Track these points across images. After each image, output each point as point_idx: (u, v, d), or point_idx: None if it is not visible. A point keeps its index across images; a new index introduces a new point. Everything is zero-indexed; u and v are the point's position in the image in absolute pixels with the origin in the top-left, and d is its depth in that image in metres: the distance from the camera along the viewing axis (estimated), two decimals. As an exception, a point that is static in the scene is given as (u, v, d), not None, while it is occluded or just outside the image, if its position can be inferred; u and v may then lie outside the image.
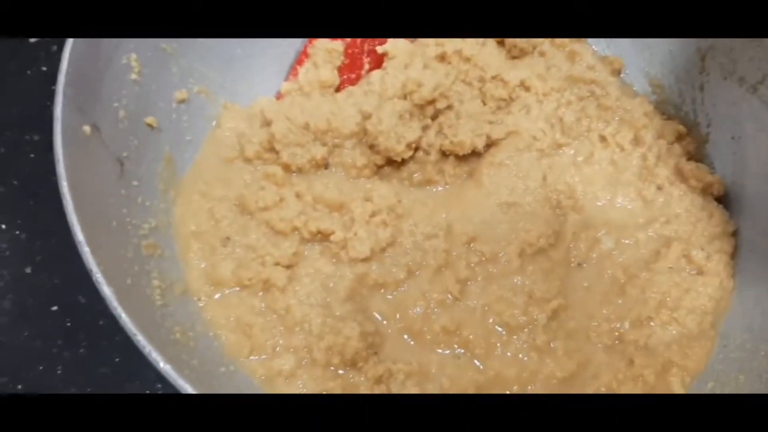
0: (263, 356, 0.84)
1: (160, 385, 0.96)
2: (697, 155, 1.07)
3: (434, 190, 1.03)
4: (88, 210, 0.73)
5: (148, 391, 0.95)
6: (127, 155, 0.86)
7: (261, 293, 0.88)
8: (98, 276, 0.67)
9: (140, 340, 0.64)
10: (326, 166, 1.00)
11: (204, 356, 0.79)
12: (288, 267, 0.90)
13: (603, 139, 1.06)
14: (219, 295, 0.87)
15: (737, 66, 0.99)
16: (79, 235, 0.69)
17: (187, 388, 0.62)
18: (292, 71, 1.07)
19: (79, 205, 0.72)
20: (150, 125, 0.91)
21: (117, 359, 0.97)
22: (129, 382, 0.96)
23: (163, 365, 0.63)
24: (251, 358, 0.84)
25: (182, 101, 0.97)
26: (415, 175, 1.03)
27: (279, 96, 1.06)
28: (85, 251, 0.69)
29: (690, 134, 1.08)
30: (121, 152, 0.85)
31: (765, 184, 0.98)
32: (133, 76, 0.88)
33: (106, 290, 0.66)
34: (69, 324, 1.00)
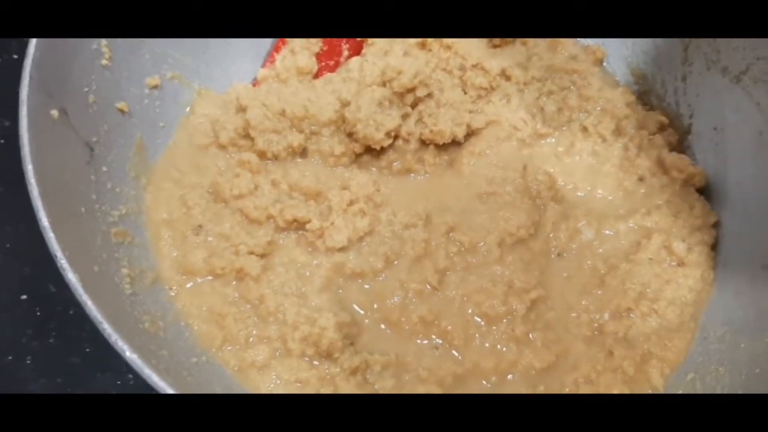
0: (236, 347, 0.82)
1: (131, 376, 0.94)
2: (679, 146, 1.06)
3: (414, 179, 1.01)
4: (54, 195, 0.71)
5: (119, 382, 0.93)
6: (96, 140, 0.84)
7: (234, 283, 0.86)
8: (63, 262, 0.65)
9: (106, 328, 0.62)
10: (303, 154, 0.98)
11: (174, 346, 0.77)
12: (262, 256, 0.88)
13: (584, 129, 1.05)
14: (191, 284, 0.85)
15: (721, 56, 0.98)
16: (44, 220, 0.67)
17: (154, 378, 0.60)
18: (269, 58, 1.05)
19: (45, 190, 0.69)
20: (121, 110, 0.89)
21: (87, 349, 0.95)
22: (100, 372, 0.94)
23: (129, 354, 0.61)
24: (224, 348, 0.82)
25: (155, 87, 0.95)
26: (395, 163, 1.01)
27: (256, 83, 1.04)
28: (50, 237, 0.66)
29: (672, 125, 1.07)
30: (91, 137, 0.83)
31: (747, 175, 0.97)
32: (104, 62, 0.86)
33: (71, 277, 0.64)
34: (39, 313, 0.98)
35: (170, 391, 0.59)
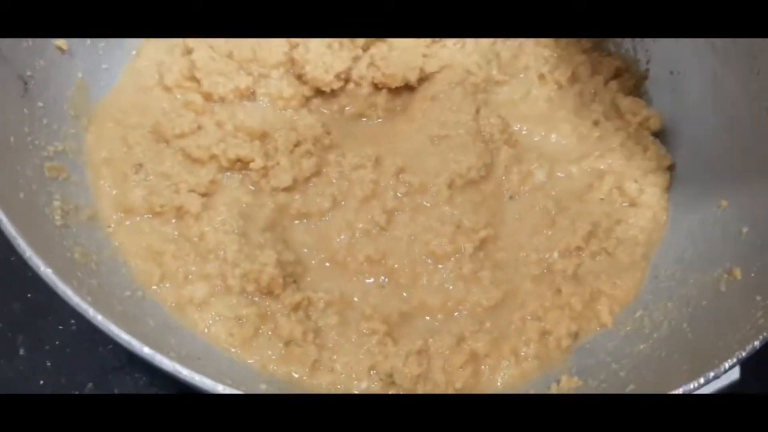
0: (174, 284, 0.80)
1: (73, 321, 0.92)
2: (635, 92, 1.05)
3: (365, 123, 1.00)
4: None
5: (61, 327, 0.92)
6: (31, 75, 0.81)
7: (174, 221, 0.84)
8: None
9: (20, 243, 0.60)
10: (252, 97, 0.96)
11: (107, 279, 0.75)
12: (204, 195, 0.86)
13: (541, 76, 1.04)
14: (129, 222, 0.83)
15: None
16: None
17: (69, 293, 0.58)
18: None
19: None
20: (60, 48, 0.86)
21: (29, 295, 0.93)
22: (41, 318, 0.92)
23: (43, 269, 0.59)
24: (162, 285, 0.80)
25: (99, 28, 0.92)
26: (347, 108, 0.99)
27: (204, 26, 1.02)
28: None
29: (629, 70, 1.05)
30: (25, 71, 0.80)
31: (703, 118, 0.96)
32: (41, -2, 0.84)
33: (-18, 192, 0.62)
34: (-23, 259, 0.95)
35: (85, 306, 0.57)
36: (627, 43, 1.06)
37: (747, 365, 0.66)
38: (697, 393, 0.64)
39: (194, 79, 0.94)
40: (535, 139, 1.00)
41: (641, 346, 0.79)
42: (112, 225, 0.83)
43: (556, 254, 0.89)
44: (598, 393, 0.76)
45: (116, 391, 0.90)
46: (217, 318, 0.79)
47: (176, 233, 0.84)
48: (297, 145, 0.91)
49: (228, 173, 0.89)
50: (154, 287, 0.80)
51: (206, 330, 0.79)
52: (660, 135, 1.00)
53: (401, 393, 0.79)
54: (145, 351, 0.56)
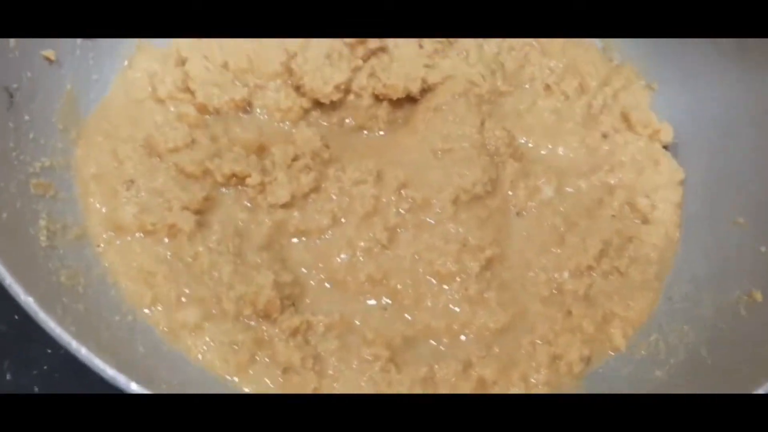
0: (167, 307, 0.76)
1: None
2: (645, 103, 1.01)
3: (366, 136, 0.96)
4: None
5: (49, 351, 0.88)
6: (18, 87, 0.78)
7: (166, 240, 0.80)
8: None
9: (0, 269, 0.56)
10: (248, 109, 0.93)
11: (95, 303, 0.71)
12: (197, 212, 0.82)
13: (547, 87, 1.01)
14: (120, 241, 0.79)
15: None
16: None
17: (51, 324, 0.55)
18: (214, 10, 0.99)
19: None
20: (48, 59, 0.83)
21: (16, 317, 0.89)
22: (28, 341, 0.88)
23: (24, 297, 0.55)
24: (154, 308, 0.76)
25: (88, 37, 0.89)
26: (347, 120, 0.96)
27: (199, 36, 0.98)
28: None
29: (638, 81, 1.02)
30: (11, 83, 0.77)
31: (715, 130, 0.93)
32: (29, 7, 0.80)
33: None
34: (-37, 280, 0.91)
35: (68, 338, 0.54)
36: (635, 52, 1.03)
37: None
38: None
39: (188, 90, 0.90)
40: (542, 152, 0.97)
41: (657, 373, 0.76)
42: (102, 244, 0.79)
43: (566, 274, 0.85)
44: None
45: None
46: (212, 343, 0.76)
47: (169, 253, 0.80)
48: (295, 159, 0.87)
49: (223, 189, 0.85)
50: (146, 310, 0.76)
51: (200, 356, 0.75)
52: (671, 148, 0.97)
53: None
54: (133, 387, 0.52)
